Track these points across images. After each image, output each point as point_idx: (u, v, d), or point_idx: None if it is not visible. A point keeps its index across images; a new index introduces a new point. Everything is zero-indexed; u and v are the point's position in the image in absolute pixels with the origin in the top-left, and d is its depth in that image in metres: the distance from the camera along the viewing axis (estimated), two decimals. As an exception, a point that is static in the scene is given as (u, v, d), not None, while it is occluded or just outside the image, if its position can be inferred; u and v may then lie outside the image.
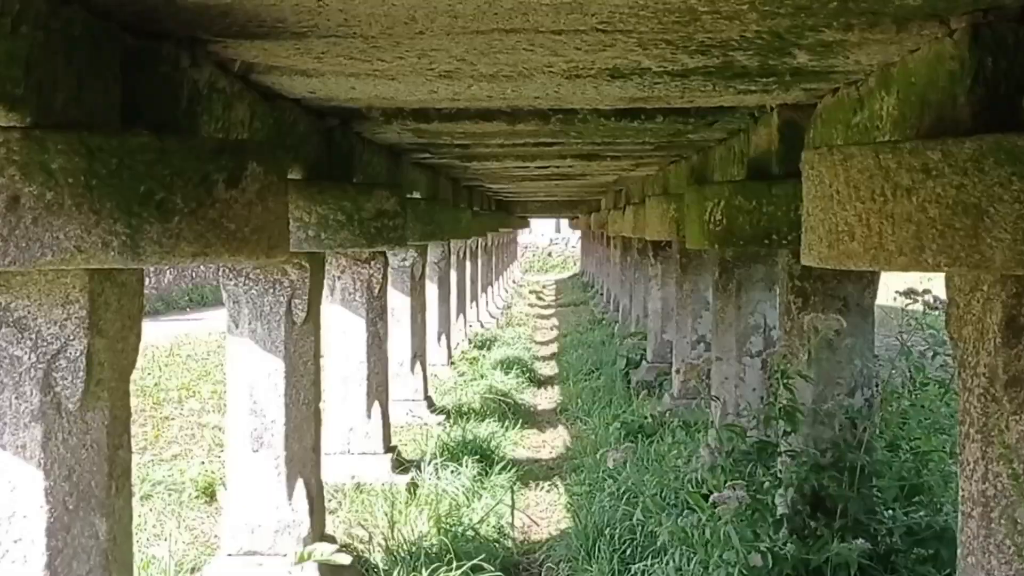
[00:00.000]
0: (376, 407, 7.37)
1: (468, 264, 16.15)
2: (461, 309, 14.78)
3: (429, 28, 2.87)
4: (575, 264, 43.60)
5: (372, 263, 7.26)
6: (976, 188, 2.32)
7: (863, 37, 2.98)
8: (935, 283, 5.26)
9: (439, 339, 12.03)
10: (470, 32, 2.93)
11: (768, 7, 2.60)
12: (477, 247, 17.83)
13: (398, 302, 9.50)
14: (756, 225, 4.69)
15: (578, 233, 42.02)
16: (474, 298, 17.37)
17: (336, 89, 4.11)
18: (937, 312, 4.63)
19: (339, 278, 7.25)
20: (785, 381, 4.55)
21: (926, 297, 4.63)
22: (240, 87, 3.69)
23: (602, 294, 23.54)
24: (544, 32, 2.93)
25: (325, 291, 7.30)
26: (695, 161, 7.73)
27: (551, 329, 19.31)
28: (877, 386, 5.06)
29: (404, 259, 9.43)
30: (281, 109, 4.30)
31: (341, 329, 7.28)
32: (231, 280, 4.98)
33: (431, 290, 11.85)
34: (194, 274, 27.99)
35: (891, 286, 5.20)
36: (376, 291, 7.30)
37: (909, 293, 4.70)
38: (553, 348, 16.05)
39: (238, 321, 5.02)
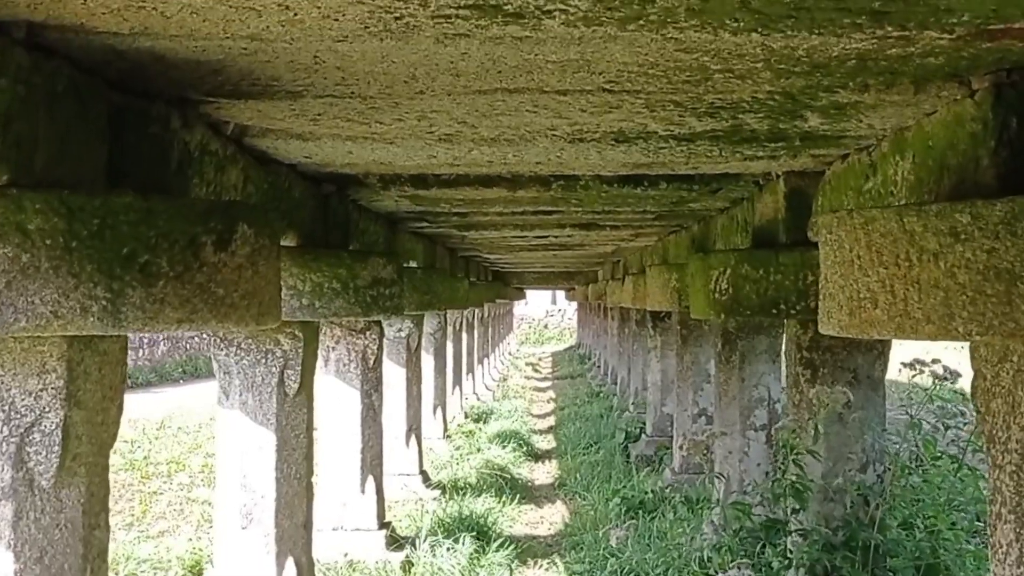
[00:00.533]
0: (370, 481, 7.16)
1: (464, 335, 16.00)
2: (457, 381, 14.59)
3: (430, 87, 2.76)
4: (571, 336, 43.45)
5: (367, 333, 7.11)
6: (1009, 252, 2.19)
7: (879, 99, 2.88)
8: (943, 352, 5.12)
9: (435, 411, 11.83)
10: (472, 92, 2.83)
11: (783, 65, 2.50)
12: (473, 318, 17.70)
13: (393, 373, 9.33)
14: (763, 294, 4.56)
15: (574, 304, 41.94)
16: (470, 370, 17.18)
17: (333, 154, 4.00)
18: (947, 383, 4.48)
19: (333, 348, 7.09)
20: (793, 456, 4.38)
21: (934, 367, 4.49)
22: (233, 150, 3.58)
23: (599, 366, 23.35)
24: (549, 92, 2.83)
25: (319, 362, 7.15)
26: (696, 231, 7.63)
27: (548, 402, 19.09)
28: (888, 461, 4.89)
29: (400, 329, 9.28)
30: (276, 174, 4.19)
31: (335, 401, 7.10)
32: (222, 350, 4.83)
33: (427, 361, 11.68)
34: (188, 345, 27.79)
35: (895, 357, 5.05)
36: (371, 362, 7.14)
37: (916, 364, 4.55)
38: (550, 421, 15.83)
39: (228, 392, 4.85)
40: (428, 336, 11.73)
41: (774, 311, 4.57)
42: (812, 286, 4.48)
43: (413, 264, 8.38)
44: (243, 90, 2.82)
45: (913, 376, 4.33)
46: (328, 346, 7.10)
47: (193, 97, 2.96)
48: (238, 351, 4.81)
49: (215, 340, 4.83)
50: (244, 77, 2.68)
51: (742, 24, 2.07)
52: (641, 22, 2.06)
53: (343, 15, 2.05)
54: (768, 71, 2.57)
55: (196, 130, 3.17)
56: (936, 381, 4.28)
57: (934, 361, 4.27)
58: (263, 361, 4.81)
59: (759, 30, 2.11)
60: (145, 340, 25.56)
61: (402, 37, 2.22)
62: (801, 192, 4.55)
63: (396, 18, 2.06)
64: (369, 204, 5.98)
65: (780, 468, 5.01)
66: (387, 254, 4.94)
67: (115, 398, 2.75)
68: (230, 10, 2.02)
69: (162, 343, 26.36)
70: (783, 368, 5.62)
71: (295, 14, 2.04)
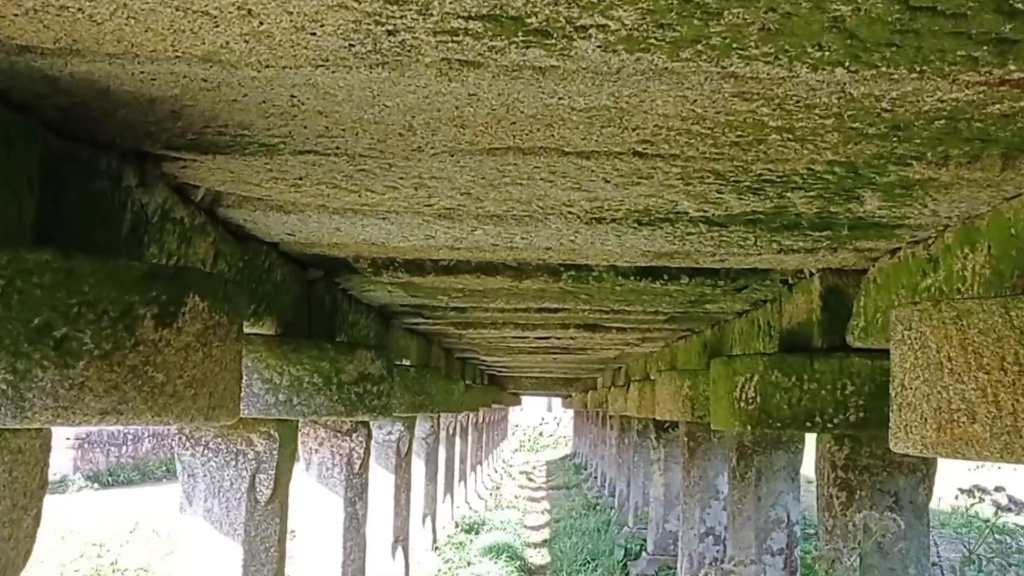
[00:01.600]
0: (350, 599, 6.54)
1: (458, 440, 15.40)
2: (449, 488, 13.94)
3: (429, 142, 2.33)
4: (567, 444, 42.61)
5: (354, 435, 6.58)
6: None
7: (956, 176, 2.44)
8: (1008, 477, 4.60)
9: (424, 521, 11.18)
10: (479, 151, 2.39)
11: (857, 124, 2.06)
12: (468, 423, 17.11)
13: (381, 479, 8.76)
14: (796, 405, 4.07)
15: (570, 412, 41.22)
16: (463, 477, 16.51)
17: (319, 231, 3.56)
18: (1012, 513, 3.95)
19: (316, 451, 6.55)
20: (835, 591, 3.83)
21: (997, 496, 3.96)
22: (203, 220, 3.13)
23: (596, 477, 22.63)
24: (570, 154, 2.39)
25: (300, 465, 6.62)
26: (709, 336, 7.16)
27: (543, 513, 18.35)
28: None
29: (390, 432, 8.74)
30: (255, 252, 3.74)
31: (316, 508, 6.53)
32: (187, 449, 4.31)
33: (417, 467, 11.09)
34: (171, 444, 27.03)
35: (944, 482, 4.53)
36: (357, 467, 6.59)
37: (975, 491, 4.03)
38: (545, 534, 15.11)
39: (192, 497, 4.32)
40: (419, 440, 11.16)
41: (808, 424, 4.08)
42: (852, 397, 4.00)
43: (406, 363, 7.89)
44: (209, 140, 2.38)
45: (972, 505, 3.80)
46: (311, 448, 6.56)
47: (152, 151, 2.52)
48: (205, 451, 4.30)
49: (179, 438, 4.32)
50: (208, 122, 2.24)
51: (827, 54, 1.63)
52: (699, 47, 1.62)
53: (322, 27, 1.61)
54: (836, 132, 2.13)
55: (157, 191, 2.72)
56: (999, 511, 3.75)
57: (997, 489, 3.74)
58: (232, 463, 4.29)
59: (846, 64, 1.67)
60: (129, 436, 24.87)
61: (396, 66, 1.79)
62: (839, 292, 4.10)
63: (389, 32, 1.62)
64: (360, 294, 5.52)
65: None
66: (376, 347, 4.46)
67: (30, 507, 2.24)
68: (177, 15, 1.58)
69: (147, 440, 25.65)
70: (813, 488, 5.08)
71: (260, 23, 1.60)
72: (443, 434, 13.21)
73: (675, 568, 10.35)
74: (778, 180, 2.60)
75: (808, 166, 2.45)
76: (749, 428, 4.24)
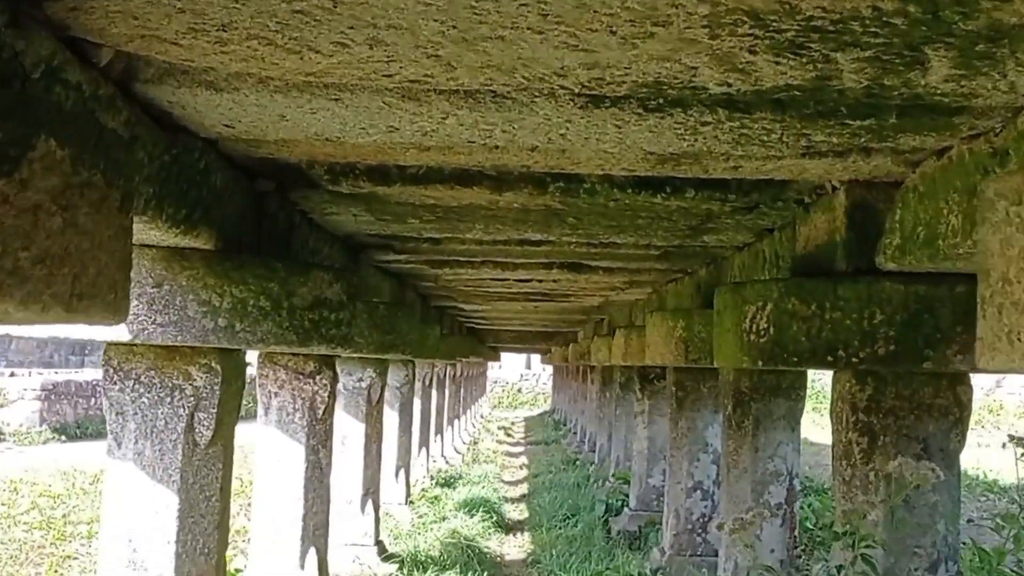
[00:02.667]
0: (312, 554, 6.02)
1: (434, 392, 14.87)
2: (424, 442, 13.43)
3: (381, -44, 1.75)
4: (546, 401, 42.28)
5: (317, 378, 6.03)
6: None
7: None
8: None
9: (397, 474, 10.67)
10: (448, -23, 1.81)
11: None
12: (445, 376, 16.58)
13: (350, 429, 8.23)
14: (815, 336, 3.54)
15: (549, 370, 40.80)
16: (439, 431, 16.01)
17: (260, 119, 2.97)
18: (1063, 464, 3.45)
19: (276, 395, 6.00)
20: (862, 547, 3.32)
21: (1047, 442, 3.47)
22: (112, 92, 2.54)
23: (575, 433, 22.22)
24: (567, -18, 1.82)
25: (259, 409, 6.07)
26: (704, 276, 6.63)
27: (521, 468, 17.91)
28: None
29: (360, 379, 8.20)
30: (185, 147, 3.15)
31: (275, 457, 5.99)
32: (115, 384, 3.75)
33: (391, 418, 10.57)
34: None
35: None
36: (320, 412, 6.04)
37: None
38: (523, 489, 14.66)
39: (120, 439, 3.77)
40: (393, 389, 10.62)
41: (829, 359, 3.54)
42: (881, 327, 3.47)
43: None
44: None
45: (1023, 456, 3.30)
46: (270, 391, 6.00)
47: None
48: (136, 385, 3.75)
49: (107, 370, 3.75)
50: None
51: None
52: None
53: None
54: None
55: (39, 41, 2.13)
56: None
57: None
58: (167, 400, 3.74)
59: None
60: (98, 388, 24.22)
61: None
62: (867, 207, 3.55)
63: None
64: (323, 218, 4.94)
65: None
66: (335, 269, 3.89)
67: None
68: None
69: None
70: (830, 437, 4.58)
71: None
72: (419, 385, 12.68)
73: (659, 524, 9.91)
74: (831, 29, 2.03)
75: (875, 2, 1.89)
76: (760, 364, 3.71)
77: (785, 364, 3.65)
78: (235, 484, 10.62)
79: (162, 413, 3.73)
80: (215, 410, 3.75)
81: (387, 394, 10.55)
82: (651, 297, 9.32)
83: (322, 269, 3.76)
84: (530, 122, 2.85)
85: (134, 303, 3.42)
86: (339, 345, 3.86)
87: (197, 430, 3.76)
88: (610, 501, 11.30)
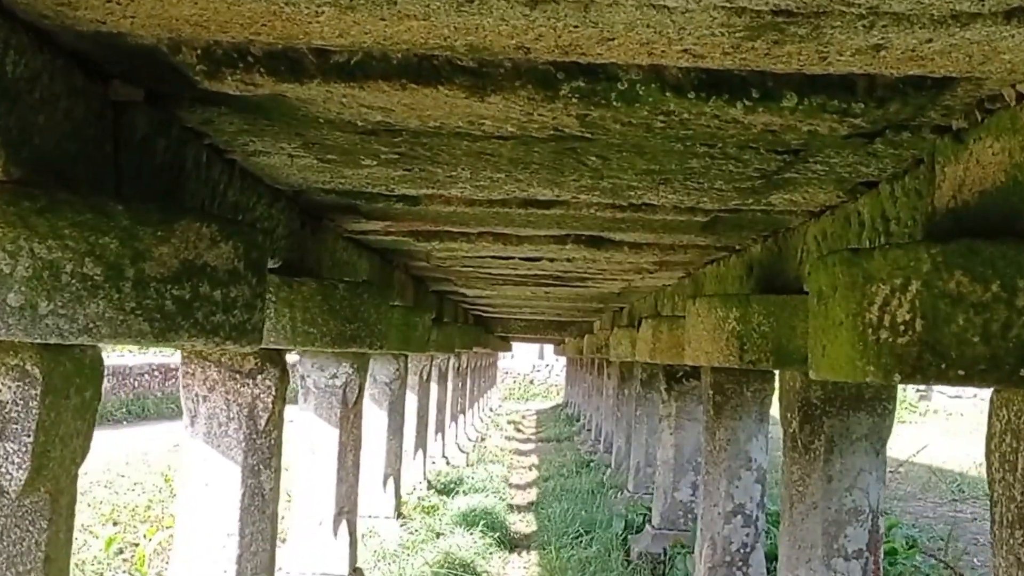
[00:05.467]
0: (250, 607, 4.65)
1: (435, 387, 13.47)
2: (421, 443, 12.04)
3: None
4: (559, 394, 40.92)
5: (259, 378, 4.65)
6: None
7: None
8: None
9: (385, 483, 9.29)
10: None
11: None
12: (448, 368, 15.18)
13: (322, 436, 6.85)
14: (1000, 336, 2.13)
15: (562, 360, 39.38)
16: (440, 429, 14.63)
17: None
18: None
19: (205, 399, 4.62)
20: None
21: None
22: None
23: (590, 429, 20.83)
24: None
25: (184, 417, 4.72)
26: (758, 254, 5.21)
27: (530, 468, 16.52)
28: None
29: (334, 375, 6.80)
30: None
31: (201, 479, 4.62)
32: None
33: (379, 418, 9.20)
34: (135, 383, 25.16)
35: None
36: (263, 422, 4.67)
37: None
38: (531, 495, 13.28)
39: None
40: (381, 386, 9.25)
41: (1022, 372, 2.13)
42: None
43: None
44: None
45: None
46: (196, 394, 4.63)
47: None
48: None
49: None
50: None
51: None
52: None
53: None
54: None
55: None
56: None
57: None
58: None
59: None
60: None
61: None
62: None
63: None
64: (249, 161, 3.55)
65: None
66: (225, 221, 2.49)
67: None
68: None
69: (105, 380, 23.72)
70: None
71: None
72: (414, 379, 11.30)
73: (687, 546, 8.52)
74: None
75: None
76: (899, 377, 2.29)
77: (944, 379, 2.23)
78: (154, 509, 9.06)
79: (-58, 442, 2.35)
80: (30, 439, 2.37)
81: (374, 391, 9.20)
82: (682, 282, 7.91)
83: (200, 218, 2.37)
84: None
85: None
86: (233, 339, 2.46)
87: (3, 469, 2.38)
88: (630, 516, 9.92)
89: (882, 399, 4.59)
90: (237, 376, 4.63)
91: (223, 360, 4.59)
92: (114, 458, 14.00)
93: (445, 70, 2.25)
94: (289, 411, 7.97)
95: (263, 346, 4.54)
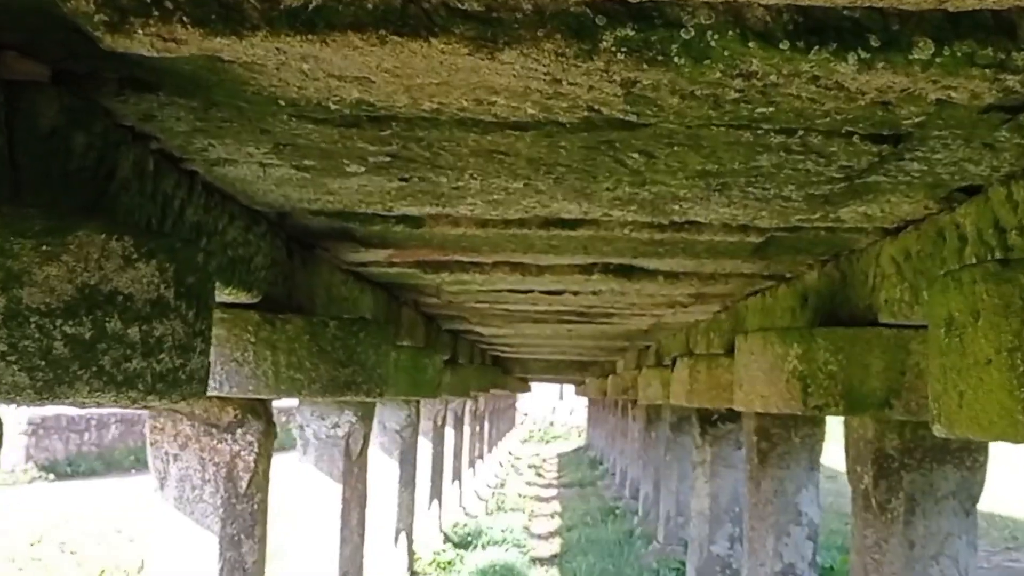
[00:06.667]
0: None
1: (451, 432, 12.77)
2: (436, 493, 11.32)
3: None
4: (580, 436, 40.07)
5: (239, 432, 4.00)
6: None
7: None
8: None
9: (396, 539, 8.58)
10: None
11: None
12: (464, 411, 14.47)
13: (321, 491, 6.17)
14: None
15: (583, 400, 38.57)
16: (457, 476, 13.90)
17: None
18: None
19: (176, 458, 3.97)
20: None
21: None
22: None
23: (614, 474, 20.03)
24: None
25: (152, 478, 4.08)
26: (814, 281, 4.54)
27: (552, 517, 15.74)
28: None
29: (336, 424, 6.13)
30: None
31: (173, 553, 3.94)
32: None
33: (389, 469, 8.51)
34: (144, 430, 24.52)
35: None
36: (244, 484, 4.01)
37: None
38: (554, 546, 12.52)
39: None
40: (392, 434, 8.58)
41: None
42: None
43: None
44: None
45: None
46: (166, 453, 3.98)
47: None
48: None
49: None
50: None
51: None
52: None
53: None
54: None
55: None
56: None
57: None
58: None
59: None
60: (93, 422, 22.36)
61: None
62: None
63: None
64: (212, 172, 2.93)
65: None
66: (145, 232, 1.84)
67: None
68: None
69: (113, 426, 23.14)
70: None
71: None
72: (427, 424, 10.61)
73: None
74: None
75: None
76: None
77: None
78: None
79: None
80: None
81: (383, 439, 8.52)
82: (718, 317, 7.23)
83: (108, 228, 1.73)
84: None
85: None
86: (156, 392, 1.82)
87: None
88: (661, 571, 9.17)
89: (972, 449, 3.90)
90: (213, 431, 3.98)
91: (196, 412, 3.95)
92: (112, 509, 13.35)
93: (440, 16, 1.61)
94: (287, 459, 7.29)
95: (243, 395, 3.92)
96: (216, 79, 1.93)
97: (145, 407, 1.87)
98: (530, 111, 2.03)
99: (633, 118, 2.05)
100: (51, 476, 20.11)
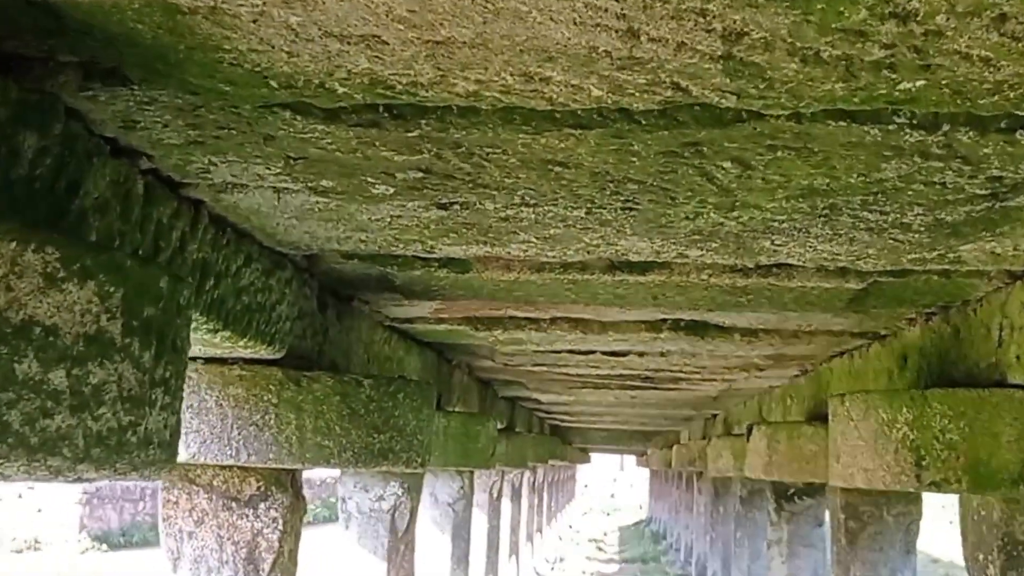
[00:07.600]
0: None
1: (507, 504, 12.18)
2: (492, 569, 10.70)
3: None
4: (642, 508, 39.01)
5: (262, 507, 3.51)
6: None
7: None
8: None
9: (449, 621, 8.00)
10: None
11: None
12: (521, 482, 13.86)
13: (366, 570, 5.65)
14: None
15: (644, 472, 37.57)
16: (514, 551, 13.26)
17: None
18: None
19: (191, 535, 3.49)
20: None
21: None
22: None
23: (678, 549, 19.18)
24: None
25: (165, 557, 3.61)
26: (915, 338, 3.97)
27: (614, 595, 14.98)
28: None
29: (380, 497, 5.63)
30: None
31: (184, 647, 3.45)
32: None
33: (440, 545, 7.96)
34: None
35: None
36: (267, 565, 3.51)
37: None
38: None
39: None
40: (444, 507, 8.03)
41: None
42: None
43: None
44: None
45: None
46: (180, 529, 3.51)
47: None
48: None
49: None
50: None
51: None
52: None
53: None
54: None
55: None
56: None
57: None
58: None
59: None
60: (148, 491, 22.06)
61: None
62: None
63: None
64: (219, 202, 2.49)
65: None
66: (78, 243, 1.40)
67: None
68: None
69: (149, 496, 22.81)
70: None
71: None
72: (483, 496, 10.05)
73: None
74: None
75: None
76: None
77: None
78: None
79: None
80: None
81: (435, 512, 7.98)
82: (796, 382, 6.64)
83: (21, 235, 1.28)
84: None
85: None
86: (91, 459, 1.35)
87: None
88: (735, 660, 8.45)
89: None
90: (233, 505, 3.51)
91: (215, 484, 3.49)
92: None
93: None
94: (329, 532, 6.76)
95: (263, 464, 3.44)
96: (183, 46, 1.48)
97: (77, 480, 1.40)
98: (595, 92, 1.55)
99: (731, 101, 1.56)
100: (103, 546, 19.80)
